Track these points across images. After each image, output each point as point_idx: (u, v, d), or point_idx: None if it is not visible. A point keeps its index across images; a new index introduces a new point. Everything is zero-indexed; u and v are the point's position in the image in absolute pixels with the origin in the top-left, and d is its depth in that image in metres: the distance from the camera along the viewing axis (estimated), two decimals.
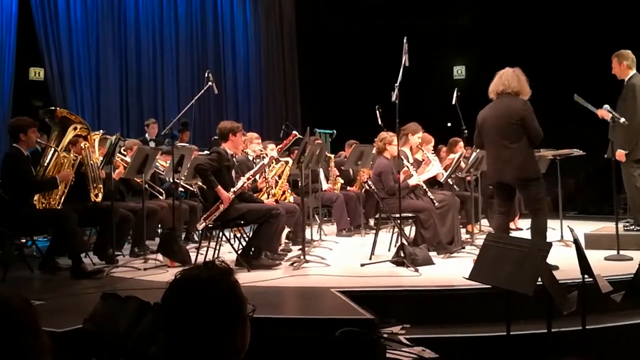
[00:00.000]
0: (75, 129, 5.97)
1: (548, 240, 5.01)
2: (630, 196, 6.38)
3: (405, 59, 5.70)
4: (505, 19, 12.64)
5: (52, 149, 5.83)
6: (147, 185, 6.76)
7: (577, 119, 6.91)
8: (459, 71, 14.22)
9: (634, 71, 6.31)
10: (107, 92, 11.09)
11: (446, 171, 6.82)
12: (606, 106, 5.90)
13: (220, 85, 11.39)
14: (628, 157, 6.16)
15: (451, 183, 6.87)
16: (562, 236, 6.79)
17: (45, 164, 5.80)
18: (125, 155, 6.93)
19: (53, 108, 6.31)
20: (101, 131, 6.64)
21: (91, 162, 6.04)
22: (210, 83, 6.40)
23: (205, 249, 6.08)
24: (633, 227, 6.32)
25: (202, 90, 6.57)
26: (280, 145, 6.49)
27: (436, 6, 12.84)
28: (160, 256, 6.03)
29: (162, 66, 12.03)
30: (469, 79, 13.58)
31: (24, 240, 6.61)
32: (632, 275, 3.70)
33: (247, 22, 13.62)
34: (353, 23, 13.53)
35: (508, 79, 5.22)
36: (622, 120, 5.81)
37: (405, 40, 5.69)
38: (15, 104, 9.66)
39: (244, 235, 6.71)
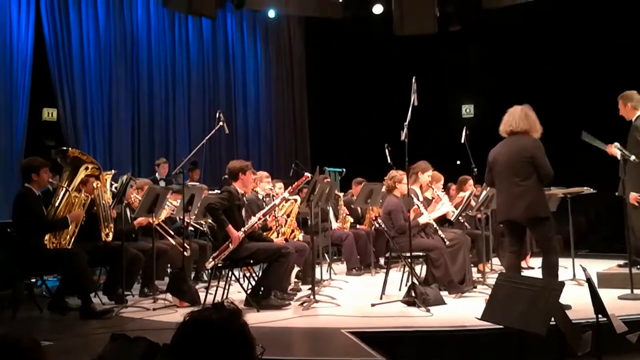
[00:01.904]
0: (86, 168, 6.02)
1: (560, 279, 4.96)
2: (637, 236, 6.30)
3: (414, 98, 5.74)
4: (513, 58, 12.75)
5: (64, 189, 5.88)
6: (159, 228, 6.77)
7: (588, 156, 6.89)
8: (468, 110, 14.30)
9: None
10: (119, 133, 11.21)
11: (456, 209, 6.80)
12: (616, 144, 5.90)
13: (231, 125, 11.50)
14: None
15: (462, 221, 6.84)
16: (574, 275, 6.72)
17: (57, 204, 5.84)
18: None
19: (65, 148, 6.38)
20: (113, 171, 6.70)
21: (103, 201, 6.08)
22: (221, 123, 6.46)
23: (215, 288, 6.05)
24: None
25: (213, 131, 6.63)
26: (292, 187, 6.51)
27: (444, 45, 12.99)
28: (169, 296, 6.01)
29: (174, 107, 12.18)
30: (478, 117, 13.63)
31: (33, 280, 6.61)
32: None
33: (258, 62, 13.82)
34: (362, 63, 13.69)
35: (516, 119, 5.25)
36: (633, 157, 5.79)
37: (414, 80, 5.75)
38: (28, 144, 9.78)
39: (254, 275, 6.68)
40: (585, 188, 7.07)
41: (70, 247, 5.80)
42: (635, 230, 6.24)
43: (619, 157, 6.03)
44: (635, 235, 6.26)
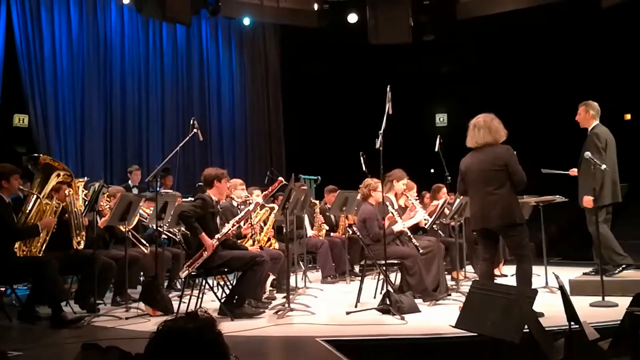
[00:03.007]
0: (58, 175, 5.93)
1: (533, 287, 5.00)
2: (599, 240, 6.40)
3: (388, 107, 5.77)
4: (486, 67, 12.91)
5: (35, 196, 5.78)
6: (130, 235, 6.69)
7: (559, 164, 7.01)
8: (441, 119, 14.43)
9: (597, 121, 6.57)
10: (92, 139, 11.09)
11: (430, 217, 6.84)
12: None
13: (205, 132, 11.46)
14: (594, 203, 6.22)
15: (436, 229, 6.88)
16: (546, 282, 6.79)
17: (27, 211, 5.75)
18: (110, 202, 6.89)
19: (36, 155, 6.27)
20: (85, 178, 6.60)
21: (74, 209, 5.99)
22: (195, 130, 6.40)
23: (188, 297, 5.99)
24: (615, 269, 6.35)
25: (187, 138, 6.57)
26: (266, 192, 6.48)
27: (419, 55, 13.10)
28: (142, 305, 5.93)
29: (147, 113, 12.09)
30: (451, 126, 13.77)
31: (3, 289, 6.48)
32: (619, 322, 3.69)
33: (233, 70, 13.79)
34: (337, 71, 13.74)
35: (481, 135, 5.29)
36: (604, 167, 5.91)
37: (388, 89, 5.78)
38: None
39: (228, 283, 6.64)
40: (557, 196, 7.16)
41: (40, 255, 5.70)
42: (606, 238, 6.33)
43: (577, 173, 6.45)
44: (602, 243, 6.35)
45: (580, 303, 5.31)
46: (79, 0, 11.15)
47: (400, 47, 12.33)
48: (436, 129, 13.74)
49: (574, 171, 6.64)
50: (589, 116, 6.57)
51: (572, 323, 3.46)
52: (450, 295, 6.33)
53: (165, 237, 7.59)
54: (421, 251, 6.39)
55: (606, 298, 5.64)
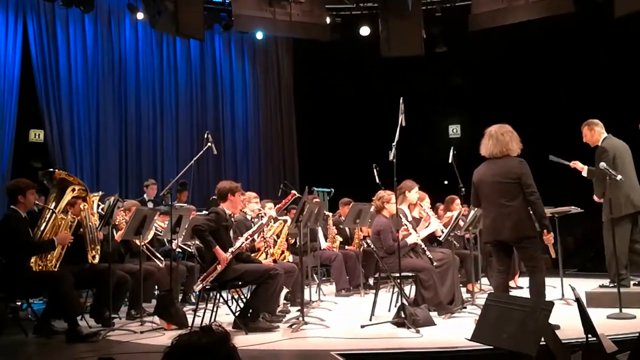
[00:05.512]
0: (73, 190, 5.98)
1: (549, 298, 4.96)
2: (609, 252, 6.35)
3: (401, 118, 5.77)
4: (499, 78, 12.88)
5: (50, 211, 5.82)
6: (145, 249, 6.72)
7: (574, 176, 6.97)
8: (455, 130, 14.40)
9: (605, 134, 6.61)
10: (107, 154, 11.18)
11: (445, 228, 6.80)
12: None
13: (219, 145, 11.50)
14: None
15: (451, 240, 6.83)
16: (563, 294, 6.72)
17: (42, 226, 5.79)
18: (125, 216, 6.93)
19: (51, 170, 6.33)
20: (100, 192, 6.65)
21: (90, 223, 6.03)
22: (209, 144, 6.44)
23: (203, 310, 6.00)
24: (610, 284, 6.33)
25: (202, 151, 6.61)
26: (279, 205, 6.49)
27: (431, 66, 13.10)
28: (157, 319, 5.94)
29: (162, 127, 12.18)
30: (465, 137, 13.73)
31: (19, 303, 6.52)
32: (637, 334, 3.65)
33: (246, 83, 13.86)
34: (350, 84, 13.77)
35: (494, 145, 5.25)
36: (620, 177, 5.88)
37: (401, 101, 5.77)
38: (14, 166, 9.72)
39: (242, 297, 6.63)
40: (573, 207, 7.11)
41: (56, 269, 5.73)
42: (618, 249, 6.27)
43: (583, 172, 6.64)
44: (616, 254, 6.29)
45: (597, 315, 5.25)
46: (94, 16, 11.28)
47: (413, 59, 12.31)
48: (450, 140, 13.71)
49: (576, 163, 6.75)
50: (594, 133, 6.64)
51: (590, 335, 3.42)
52: (465, 308, 6.28)
53: (180, 250, 7.61)
54: (435, 264, 6.35)
55: (624, 310, 5.57)
